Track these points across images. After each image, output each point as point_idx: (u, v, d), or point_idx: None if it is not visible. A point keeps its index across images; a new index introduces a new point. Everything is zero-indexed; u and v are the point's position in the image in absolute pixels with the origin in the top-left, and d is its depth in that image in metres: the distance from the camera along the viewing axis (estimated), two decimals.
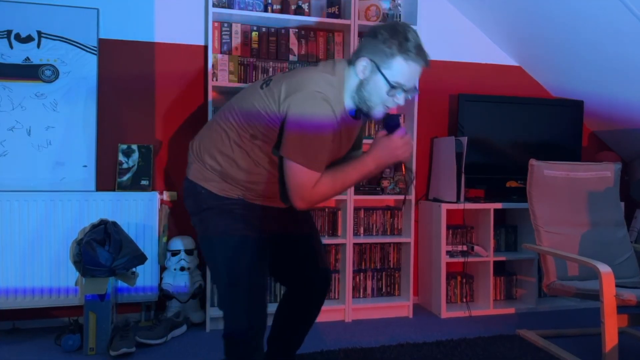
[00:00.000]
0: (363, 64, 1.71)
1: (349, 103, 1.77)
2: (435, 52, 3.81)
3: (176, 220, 3.31)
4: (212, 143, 1.82)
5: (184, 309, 3.17)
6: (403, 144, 1.79)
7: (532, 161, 3.04)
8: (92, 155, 3.18)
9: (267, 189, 1.83)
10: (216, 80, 3.22)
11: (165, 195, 3.26)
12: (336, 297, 3.45)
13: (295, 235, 2.06)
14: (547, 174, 3.05)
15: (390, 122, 1.78)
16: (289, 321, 2.16)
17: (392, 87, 1.68)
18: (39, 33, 3.10)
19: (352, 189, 3.31)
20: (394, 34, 1.68)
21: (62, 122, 3.14)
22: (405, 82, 1.69)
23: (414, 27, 3.37)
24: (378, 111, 1.76)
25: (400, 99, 1.71)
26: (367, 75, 1.71)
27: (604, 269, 2.37)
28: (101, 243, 2.75)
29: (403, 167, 3.30)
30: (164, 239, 3.16)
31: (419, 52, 1.69)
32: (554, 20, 3.28)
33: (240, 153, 1.77)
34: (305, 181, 1.67)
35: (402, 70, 1.67)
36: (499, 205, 3.53)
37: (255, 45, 3.35)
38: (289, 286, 2.15)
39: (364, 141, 3.38)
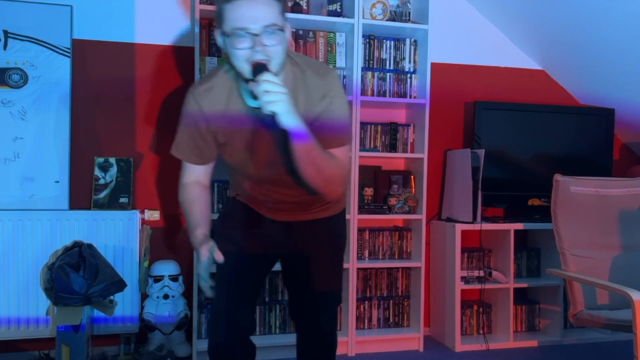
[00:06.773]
0: (217, 39, 1.73)
1: (248, 99, 1.77)
2: (449, 54, 3.85)
3: (159, 242, 3.32)
4: None
5: (168, 341, 3.18)
6: None
7: (557, 176, 3.06)
8: (65, 170, 3.20)
9: (245, 186, 2.03)
10: None
11: (147, 215, 3.27)
12: (338, 328, 3.46)
13: (293, 256, 2.11)
14: (574, 191, 3.07)
15: (257, 67, 1.63)
16: None
17: (230, 35, 1.64)
18: (6, 33, 3.12)
19: (356, 207, 3.35)
20: None
21: (32, 132, 3.16)
22: (236, 22, 1.62)
23: (425, 26, 3.50)
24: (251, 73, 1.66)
25: (245, 41, 1.62)
26: (222, 44, 1.71)
27: (638, 297, 2.38)
28: (75, 268, 2.76)
29: None
30: (146, 264, 3.18)
31: None
32: (581, 20, 3.31)
33: None
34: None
35: (230, 14, 1.63)
36: (520, 226, 3.56)
37: None
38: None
39: (366, 154, 3.45)
